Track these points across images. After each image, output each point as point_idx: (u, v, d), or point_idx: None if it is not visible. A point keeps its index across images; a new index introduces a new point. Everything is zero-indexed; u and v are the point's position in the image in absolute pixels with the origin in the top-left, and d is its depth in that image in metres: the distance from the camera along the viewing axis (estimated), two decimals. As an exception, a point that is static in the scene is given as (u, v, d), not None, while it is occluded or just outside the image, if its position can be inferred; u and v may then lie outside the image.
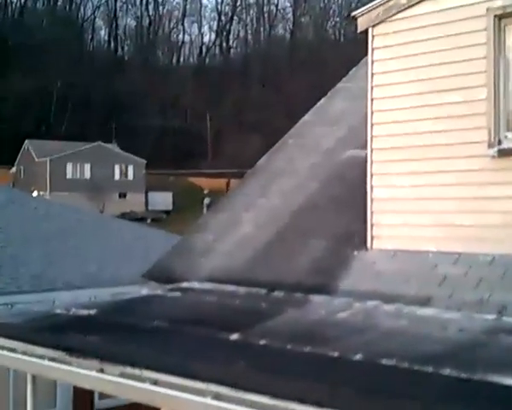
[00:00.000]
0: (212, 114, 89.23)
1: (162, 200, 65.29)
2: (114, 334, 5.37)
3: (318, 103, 9.20)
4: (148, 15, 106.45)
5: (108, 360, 4.81)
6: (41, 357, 5.25)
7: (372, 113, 6.26)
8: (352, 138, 8.08)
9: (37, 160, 62.80)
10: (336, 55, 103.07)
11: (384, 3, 6.08)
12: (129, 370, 4.63)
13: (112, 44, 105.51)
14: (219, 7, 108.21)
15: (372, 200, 6.23)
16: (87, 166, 63.34)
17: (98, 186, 59.19)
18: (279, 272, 6.57)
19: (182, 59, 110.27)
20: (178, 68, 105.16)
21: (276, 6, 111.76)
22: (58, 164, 61.78)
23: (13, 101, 78.69)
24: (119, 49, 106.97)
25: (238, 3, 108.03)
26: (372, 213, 6.22)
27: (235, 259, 7.07)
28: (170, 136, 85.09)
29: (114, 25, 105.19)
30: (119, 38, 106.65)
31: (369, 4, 6.17)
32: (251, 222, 7.53)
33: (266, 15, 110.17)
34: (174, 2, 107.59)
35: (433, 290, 5.35)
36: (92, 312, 6.07)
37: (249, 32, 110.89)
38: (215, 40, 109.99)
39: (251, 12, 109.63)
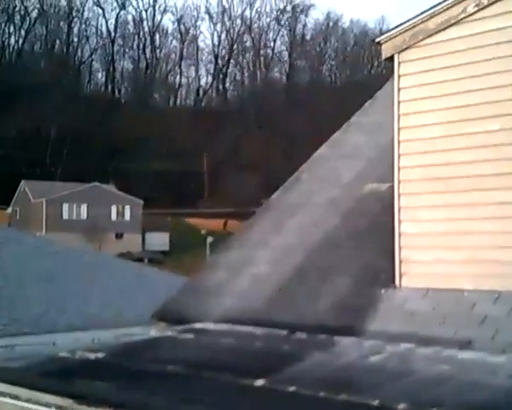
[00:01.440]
0: (208, 154, 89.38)
1: (159, 240, 64.81)
2: (125, 380, 4.93)
3: (332, 137, 8.88)
4: (145, 58, 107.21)
5: (121, 409, 4.38)
6: (47, 405, 4.80)
7: (399, 143, 5.92)
8: (370, 172, 7.75)
9: (33, 200, 62.41)
10: (331, 97, 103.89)
11: (410, 29, 5.78)
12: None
13: (109, 87, 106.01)
14: (216, 50, 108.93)
15: (400, 235, 5.85)
16: (84, 207, 62.97)
17: (95, 226, 58.74)
18: (300, 313, 6.16)
19: (179, 101, 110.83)
20: (175, 110, 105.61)
21: (273, 50, 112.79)
22: (54, 205, 61.39)
23: (9, 142, 78.76)
24: (116, 92, 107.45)
25: (234, 47, 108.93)
26: (400, 248, 5.83)
27: (251, 298, 6.66)
28: (166, 176, 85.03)
29: (111, 68, 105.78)
30: (116, 80, 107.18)
31: (395, 30, 5.86)
32: (265, 260, 7.13)
33: (262, 59, 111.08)
34: (171, 46, 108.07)
35: (473, 332, 4.94)
36: (100, 355, 5.63)
37: (245, 74, 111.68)
38: (212, 83, 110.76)
39: (247, 55, 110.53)
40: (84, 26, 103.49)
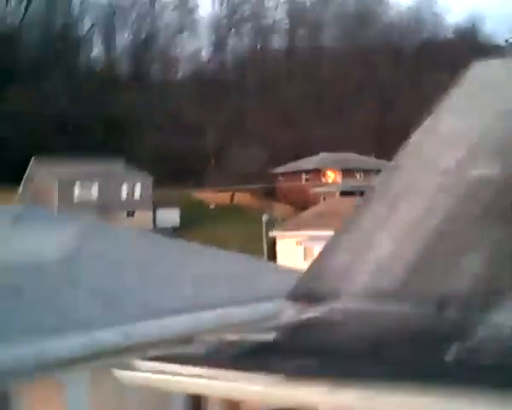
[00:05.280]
0: (212, 126, 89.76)
1: (170, 217, 65.46)
2: (321, 357, 5.56)
3: (425, 122, 9.43)
4: (145, 31, 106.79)
5: (337, 382, 4.99)
6: (254, 383, 5.38)
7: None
8: (472, 158, 8.32)
9: (44, 181, 62.83)
10: (331, 62, 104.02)
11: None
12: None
13: (108, 61, 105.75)
14: (215, 20, 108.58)
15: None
16: (94, 187, 63.45)
17: (106, 206, 59.33)
18: (440, 289, 6.76)
19: (180, 74, 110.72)
20: (176, 82, 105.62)
21: (273, 18, 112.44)
22: (66, 185, 61.85)
23: (11, 120, 78.93)
24: (117, 66, 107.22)
25: (235, 17, 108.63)
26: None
27: (384, 276, 7.26)
28: (172, 152, 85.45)
29: (111, 42, 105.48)
30: (115, 55, 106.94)
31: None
32: (389, 241, 7.72)
33: (262, 28, 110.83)
34: (171, 17, 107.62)
35: None
36: (273, 336, 6.26)
37: (246, 44, 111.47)
38: (212, 53, 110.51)
39: (248, 25, 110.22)
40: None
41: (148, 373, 6.16)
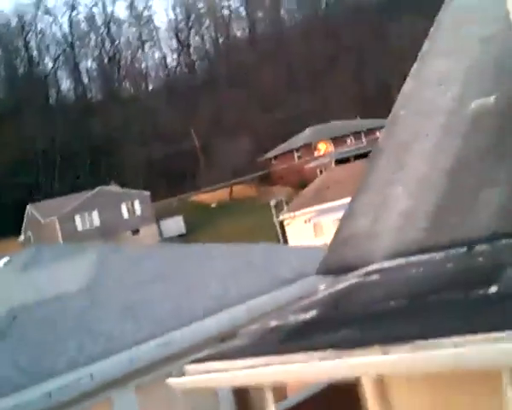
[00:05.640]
0: (194, 128, 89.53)
1: (175, 225, 65.43)
2: (369, 322, 5.56)
3: (412, 69, 9.39)
4: (106, 52, 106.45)
5: (390, 342, 4.99)
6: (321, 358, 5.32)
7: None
8: (468, 92, 8.30)
9: (43, 221, 62.75)
10: (295, 37, 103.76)
11: None
12: (421, 343, 4.81)
13: (79, 90, 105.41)
14: (173, 24, 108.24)
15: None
16: (95, 214, 63.38)
17: (110, 230, 59.29)
18: (465, 230, 6.75)
19: (150, 85, 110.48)
20: (149, 95, 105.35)
21: (229, 8, 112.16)
22: (66, 219, 61.79)
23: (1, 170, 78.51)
24: (88, 93, 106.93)
25: (191, 17, 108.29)
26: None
27: (409, 230, 7.25)
28: (159, 162, 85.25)
29: (77, 71, 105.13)
30: (84, 82, 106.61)
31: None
32: (405, 194, 7.71)
33: (221, 20, 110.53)
34: (129, 33, 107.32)
35: None
36: (314, 313, 6.26)
37: (208, 41, 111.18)
38: (178, 58, 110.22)
39: (205, 21, 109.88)
40: (40, 37, 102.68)
41: (197, 375, 6.19)
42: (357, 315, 5.88)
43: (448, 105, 8.36)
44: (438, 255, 6.62)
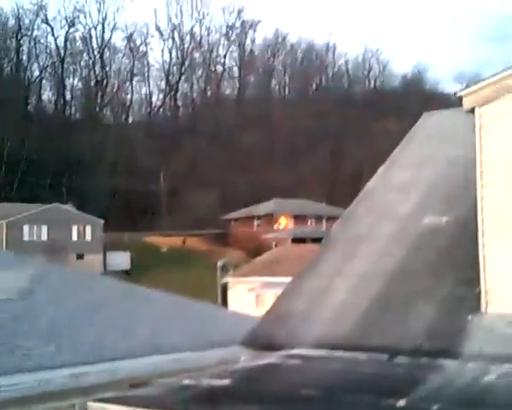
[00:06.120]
0: (165, 171, 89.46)
1: (120, 260, 64.67)
2: (275, 404, 5.55)
3: (378, 171, 9.65)
4: (95, 75, 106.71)
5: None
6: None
7: (481, 173, 6.65)
8: (425, 206, 8.54)
9: (-9, 223, 61.61)
10: (282, 110, 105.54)
11: (492, 84, 6.59)
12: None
13: (59, 105, 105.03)
14: (166, 67, 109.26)
15: (485, 266, 6.62)
16: (44, 228, 62.44)
17: (55, 248, 58.35)
18: (392, 337, 6.87)
19: (131, 118, 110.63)
20: (128, 127, 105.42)
21: (223, 65, 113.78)
22: (15, 227, 60.73)
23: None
24: (68, 109, 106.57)
25: (185, 63, 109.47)
26: (485, 277, 6.59)
27: (340, 324, 7.34)
28: (123, 195, 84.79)
29: (62, 85, 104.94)
30: (66, 98, 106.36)
31: (477, 85, 6.67)
32: (344, 288, 7.82)
33: (213, 75, 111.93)
34: (122, 63, 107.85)
35: None
36: (226, 382, 6.23)
37: (196, 91, 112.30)
38: (164, 99, 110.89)
39: (198, 72, 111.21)
40: (33, 44, 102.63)
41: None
42: (267, 395, 5.87)
43: (402, 215, 8.57)
44: (361, 356, 6.68)
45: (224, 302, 41.91)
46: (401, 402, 5.27)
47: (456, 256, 7.45)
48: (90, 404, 6.12)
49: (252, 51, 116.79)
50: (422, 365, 6.25)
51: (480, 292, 6.61)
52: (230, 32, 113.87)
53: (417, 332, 6.77)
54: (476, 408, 4.95)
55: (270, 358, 7.09)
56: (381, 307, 7.32)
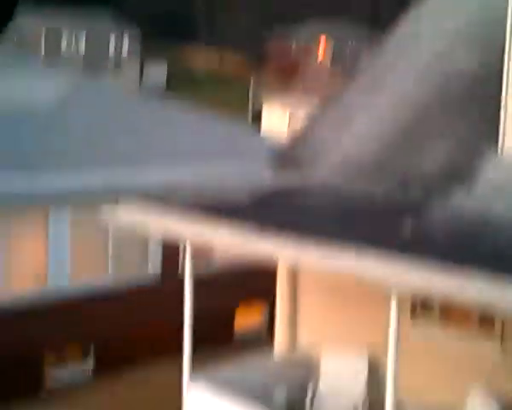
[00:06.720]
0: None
1: (157, 75, 64.74)
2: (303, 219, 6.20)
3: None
4: None
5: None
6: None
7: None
8: (454, 47, 8.53)
9: (30, 28, 61.27)
10: None
11: None
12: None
13: None
14: None
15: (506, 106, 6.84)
16: (82, 37, 62.11)
17: (93, 58, 58.58)
18: (404, 170, 7.27)
19: None
20: None
21: None
22: (53, 35, 60.47)
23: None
24: None
25: None
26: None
27: (356, 156, 7.73)
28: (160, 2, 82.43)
29: None
30: None
31: None
32: (365, 120, 8.12)
33: None
34: None
35: None
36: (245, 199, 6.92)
37: None
38: None
39: None
40: None
41: (130, 215, 6.87)
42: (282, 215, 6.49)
43: (429, 59, 8.56)
44: (371, 186, 7.12)
45: (257, 123, 42.45)
46: (405, 229, 5.86)
47: (481, 97, 7.63)
48: (121, 205, 6.81)
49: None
50: (429, 197, 6.69)
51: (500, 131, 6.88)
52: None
53: (427, 168, 7.14)
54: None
55: (291, 180, 7.62)
56: (396, 142, 7.68)
